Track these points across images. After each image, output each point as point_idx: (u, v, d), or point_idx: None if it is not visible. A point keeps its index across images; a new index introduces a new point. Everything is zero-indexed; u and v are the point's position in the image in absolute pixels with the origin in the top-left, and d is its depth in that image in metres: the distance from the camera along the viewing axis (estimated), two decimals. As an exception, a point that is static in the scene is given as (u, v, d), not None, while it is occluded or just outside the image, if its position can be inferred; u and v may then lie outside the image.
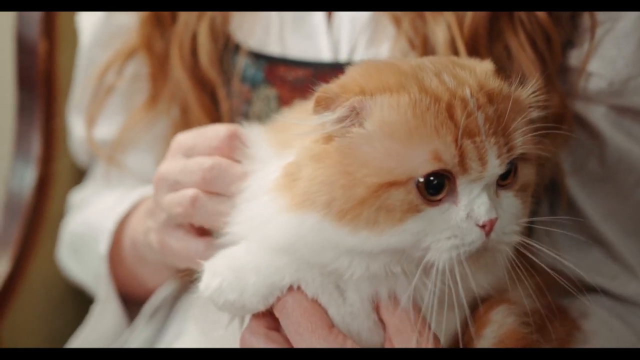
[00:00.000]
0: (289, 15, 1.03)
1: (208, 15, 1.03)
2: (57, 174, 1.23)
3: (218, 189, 0.82)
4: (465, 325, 0.81)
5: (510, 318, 0.81)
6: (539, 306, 0.82)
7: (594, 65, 0.96)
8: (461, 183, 0.73)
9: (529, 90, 0.78)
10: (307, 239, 0.75)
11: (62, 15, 1.23)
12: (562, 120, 0.95)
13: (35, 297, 1.21)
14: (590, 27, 0.95)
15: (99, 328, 1.10)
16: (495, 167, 0.73)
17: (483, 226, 0.73)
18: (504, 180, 0.76)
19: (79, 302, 1.23)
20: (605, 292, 1.00)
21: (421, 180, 0.72)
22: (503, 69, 0.88)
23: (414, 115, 0.72)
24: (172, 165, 0.86)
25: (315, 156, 0.75)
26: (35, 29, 1.21)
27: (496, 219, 0.73)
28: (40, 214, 1.21)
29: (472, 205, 0.73)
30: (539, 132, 0.76)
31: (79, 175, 1.24)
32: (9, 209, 1.21)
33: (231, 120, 1.04)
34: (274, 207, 0.76)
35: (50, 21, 1.22)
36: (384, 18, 0.99)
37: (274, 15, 1.04)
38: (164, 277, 1.06)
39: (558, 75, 0.96)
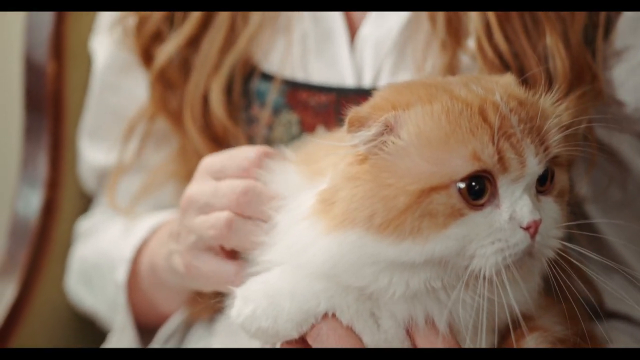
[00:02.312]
0: (312, 41, 1.03)
1: (223, 69, 1.03)
2: (64, 197, 1.21)
3: (251, 212, 0.82)
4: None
5: (543, 345, 0.80)
6: (571, 333, 0.82)
7: (618, 93, 0.96)
8: (502, 185, 0.73)
9: (551, 100, 0.79)
10: (348, 259, 0.74)
11: (71, 36, 1.21)
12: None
13: (42, 323, 1.18)
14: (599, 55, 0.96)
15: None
16: (534, 165, 0.74)
17: (527, 228, 0.73)
18: (542, 186, 0.76)
19: (86, 327, 1.21)
20: (628, 319, 1.00)
21: (462, 186, 0.72)
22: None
23: (448, 121, 0.73)
24: (201, 187, 0.85)
25: (351, 177, 0.75)
26: (44, 50, 1.20)
27: (540, 220, 0.73)
28: (47, 239, 1.19)
29: (514, 207, 0.73)
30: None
31: (87, 199, 1.23)
32: (16, 234, 1.19)
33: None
34: (313, 232, 0.76)
35: (59, 42, 1.20)
36: (409, 42, 0.99)
37: (296, 42, 1.03)
38: (180, 302, 1.04)
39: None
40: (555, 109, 0.79)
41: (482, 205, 0.73)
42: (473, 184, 0.73)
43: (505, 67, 0.94)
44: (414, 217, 0.72)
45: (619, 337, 0.97)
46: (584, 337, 0.82)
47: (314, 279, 0.76)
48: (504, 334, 0.81)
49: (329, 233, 0.75)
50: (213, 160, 0.86)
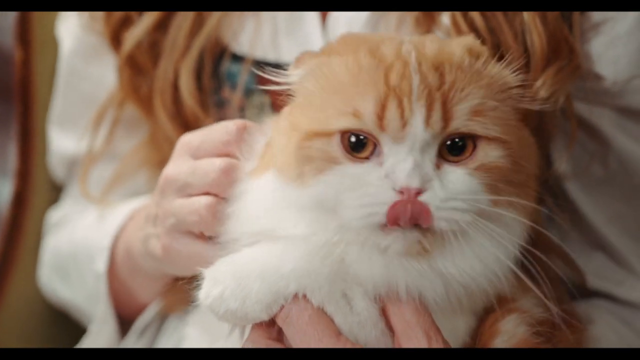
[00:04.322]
0: (282, 20, 1.01)
1: (192, 53, 1.01)
2: (35, 188, 1.19)
3: (230, 192, 0.80)
4: (476, 335, 0.79)
5: (521, 328, 0.79)
6: (550, 315, 0.80)
7: (596, 66, 0.94)
8: (385, 144, 0.72)
9: (508, 70, 0.76)
10: (267, 202, 0.76)
11: (38, 22, 1.18)
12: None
13: (14, 317, 1.16)
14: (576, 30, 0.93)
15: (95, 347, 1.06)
16: (420, 130, 0.71)
17: (401, 192, 0.71)
18: (456, 156, 0.74)
19: (61, 322, 1.18)
20: (610, 297, 0.99)
21: (343, 136, 0.73)
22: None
23: (351, 74, 0.74)
24: (179, 167, 0.83)
25: (279, 127, 0.78)
26: (10, 37, 1.17)
27: (418, 189, 0.71)
28: (19, 230, 1.17)
29: (394, 168, 0.72)
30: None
31: (58, 189, 1.20)
32: (-14, 226, 1.16)
33: None
34: (246, 186, 0.79)
35: (26, 28, 1.17)
36: (382, 19, 0.97)
37: (266, 22, 1.01)
38: (156, 289, 1.02)
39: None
40: (514, 79, 0.76)
41: (366, 159, 0.73)
42: (352, 139, 0.72)
43: (480, 43, 0.91)
44: (299, 160, 0.74)
45: (601, 316, 0.96)
46: (563, 319, 0.81)
47: (284, 259, 0.75)
48: (481, 316, 0.80)
49: (254, 180, 0.78)
50: (191, 138, 0.84)
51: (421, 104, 0.72)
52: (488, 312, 0.80)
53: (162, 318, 1.06)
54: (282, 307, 0.75)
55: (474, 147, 0.74)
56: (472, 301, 0.78)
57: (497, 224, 0.75)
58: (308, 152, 0.74)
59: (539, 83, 0.89)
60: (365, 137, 0.72)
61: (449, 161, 0.74)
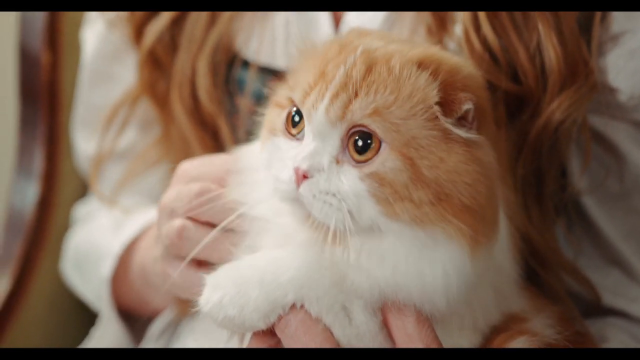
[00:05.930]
0: (295, 27, 1.01)
1: (207, 47, 1.02)
2: (60, 189, 1.21)
3: (206, 216, 0.80)
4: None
5: (529, 350, 0.78)
6: (563, 337, 0.79)
7: (612, 79, 0.92)
8: (306, 124, 0.75)
9: (433, 86, 0.74)
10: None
11: (66, 26, 1.20)
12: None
13: (36, 316, 1.18)
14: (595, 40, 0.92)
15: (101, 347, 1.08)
16: (319, 115, 0.74)
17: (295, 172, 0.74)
18: (361, 156, 0.74)
19: (82, 319, 1.20)
20: (625, 315, 0.97)
21: (289, 111, 0.77)
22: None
23: (315, 59, 0.78)
24: (170, 193, 0.84)
25: None
26: (39, 40, 1.18)
27: (304, 172, 0.73)
28: (43, 231, 1.18)
29: (300, 149, 0.75)
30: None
31: (83, 190, 1.22)
32: (11, 226, 1.18)
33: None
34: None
35: (54, 32, 1.19)
36: (395, 27, 0.97)
37: (279, 29, 1.01)
38: (171, 300, 1.03)
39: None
40: (431, 93, 0.74)
41: (298, 138, 0.76)
42: (296, 118, 0.76)
43: (493, 60, 0.90)
44: (263, 125, 0.81)
45: (615, 335, 0.95)
46: (574, 342, 0.80)
47: (282, 265, 0.75)
48: (487, 335, 0.79)
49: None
50: (190, 167, 0.85)
51: (330, 93, 0.74)
52: (499, 331, 0.79)
53: (177, 322, 1.06)
54: (281, 316, 0.75)
55: (377, 153, 0.74)
56: (471, 317, 0.78)
57: (415, 240, 0.74)
58: (266, 119, 0.80)
59: (554, 105, 0.88)
60: (301, 118, 0.76)
61: (354, 161, 0.74)
